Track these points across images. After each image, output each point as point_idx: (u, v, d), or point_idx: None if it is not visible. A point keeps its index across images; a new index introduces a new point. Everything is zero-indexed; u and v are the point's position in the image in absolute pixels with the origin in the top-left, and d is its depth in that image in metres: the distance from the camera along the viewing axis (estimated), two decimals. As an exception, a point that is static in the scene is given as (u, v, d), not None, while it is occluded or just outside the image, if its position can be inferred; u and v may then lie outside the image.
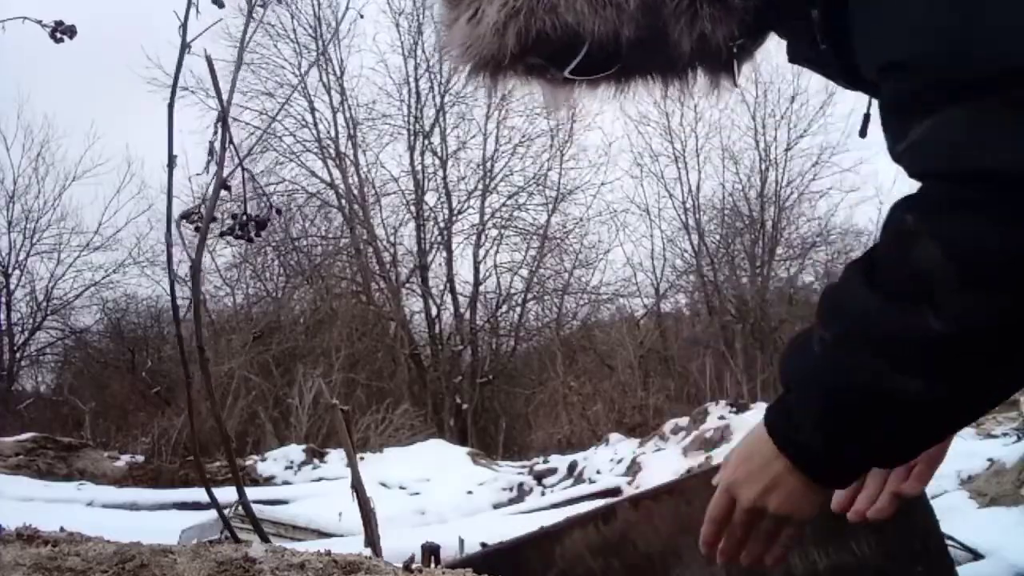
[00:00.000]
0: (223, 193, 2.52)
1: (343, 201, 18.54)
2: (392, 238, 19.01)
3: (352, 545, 2.55)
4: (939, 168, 0.84)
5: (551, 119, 17.80)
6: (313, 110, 18.27)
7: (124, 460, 11.32)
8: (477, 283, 18.83)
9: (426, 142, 18.86)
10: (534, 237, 19.16)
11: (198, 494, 6.51)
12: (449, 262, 18.92)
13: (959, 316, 0.82)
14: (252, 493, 3.94)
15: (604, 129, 22.66)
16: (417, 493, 9.79)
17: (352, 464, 2.87)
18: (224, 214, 2.72)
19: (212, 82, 2.52)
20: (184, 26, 2.37)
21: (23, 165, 18.12)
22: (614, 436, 11.19)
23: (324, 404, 12.92)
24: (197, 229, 2.52)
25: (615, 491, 8.11)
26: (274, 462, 11.20)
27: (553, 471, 10.80)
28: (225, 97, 2.52)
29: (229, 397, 13.55)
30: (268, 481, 10.69)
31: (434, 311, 18.76)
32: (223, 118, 2.48)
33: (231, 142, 2.52)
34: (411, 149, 18.79)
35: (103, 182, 28.48)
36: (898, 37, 0.88)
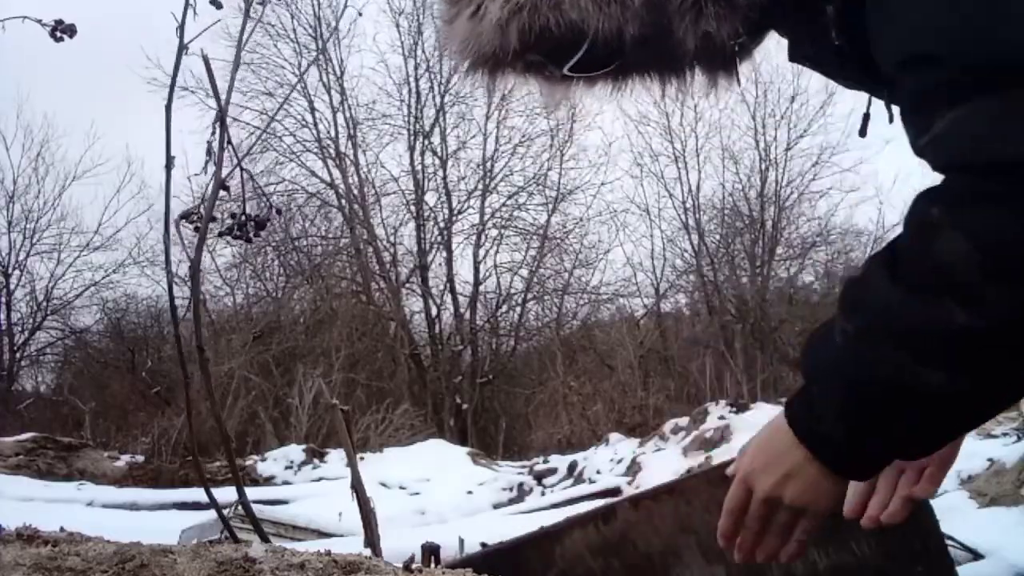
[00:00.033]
0: (223, 193, 2.52)
1: (343, 201, 18.53)
2: (392, 238, 19.04)
3: (352, 545, 2.54)
4: (962, 160, 0.84)
5: (551, 119, 17.85)
6: (313, 110, 18.30)
7: (124, 460, 11.33)
8: (477, 283, 18.84)
9: (426, 142, 18.88)
10: (534, 237, 19.18)
11: (198, 494, 6.49)
12: (449, 262, 18.94)
13: (982, 309, 0.82)
14: (252, 493, 3.93)
15: (604, 129, 22.73)
16: (417, 493, 9.79)
17: (352, 464, 2.87)
18: (224, 214, 2.71)
19: (210, 82, 2.51)
20: (181, 27, 2.36)
21: (23, 165, 18.14)
22: (614, 436, 11.18)
23: (324, 404, 12.92)
24: (196, 229, 2.52)
25: (615, 491, 8.11)
26: (274, 462, 11.20)
27: (553, 471, 10.79)
28: (223, 97, 2.51)
29: (229, 397, 13.55)
30: (268, 481, 10.69)
31: (434, 311, 18.78)
32: (221, 118, 2.48)
33: (230, 142, 2.51)
34: (411, 149, 18.81)
35: (103, 182, 28.49)
36: (920, 30, 0.87)
